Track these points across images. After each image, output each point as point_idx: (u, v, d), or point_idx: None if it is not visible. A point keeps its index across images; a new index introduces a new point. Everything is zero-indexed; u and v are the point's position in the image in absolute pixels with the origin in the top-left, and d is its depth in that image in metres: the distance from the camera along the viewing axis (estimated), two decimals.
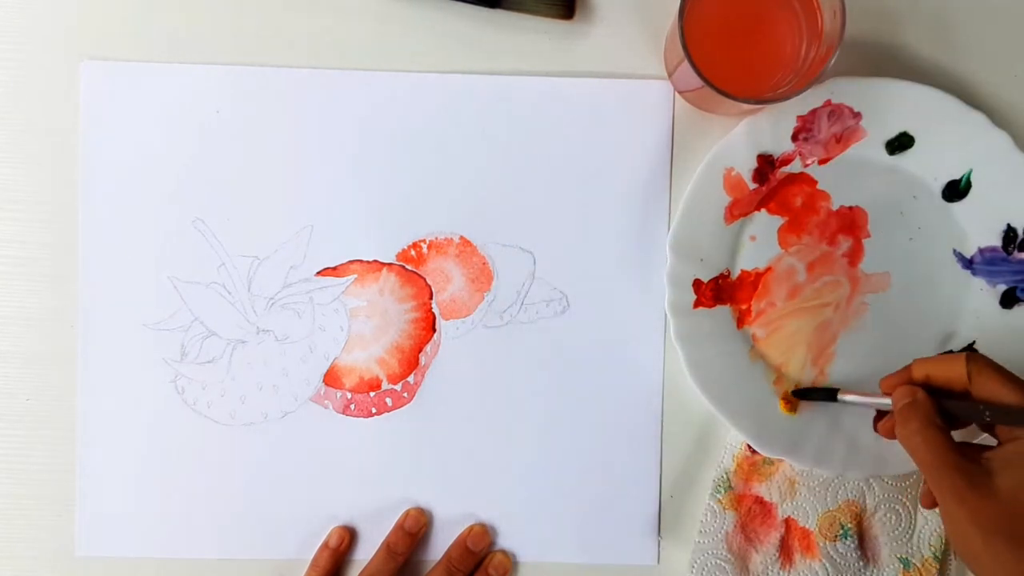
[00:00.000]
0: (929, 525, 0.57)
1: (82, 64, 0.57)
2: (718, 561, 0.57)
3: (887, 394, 0.50)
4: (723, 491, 0.57)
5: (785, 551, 0.58)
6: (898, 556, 0.57)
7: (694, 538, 0.58)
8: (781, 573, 0.57)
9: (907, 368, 0.49)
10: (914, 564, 0.57)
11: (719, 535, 0.57)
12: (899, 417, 0.47)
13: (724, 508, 0.57)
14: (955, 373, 0.46)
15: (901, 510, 0.57)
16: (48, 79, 0.57)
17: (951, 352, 0.48)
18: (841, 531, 0.57)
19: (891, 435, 0.50)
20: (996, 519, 0.42)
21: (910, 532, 0.57)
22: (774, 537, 0.58)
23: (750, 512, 0.58)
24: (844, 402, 0.54)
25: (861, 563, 0.57)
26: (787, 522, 0.58)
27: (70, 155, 0.57)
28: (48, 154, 0.57)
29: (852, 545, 0.57)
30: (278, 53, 0.57)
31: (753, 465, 0.57)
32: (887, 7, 0.57)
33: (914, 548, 0.57)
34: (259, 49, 0.57)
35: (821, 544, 0.57)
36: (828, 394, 0.54)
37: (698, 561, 0.57)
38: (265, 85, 0.57)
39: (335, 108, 0.57)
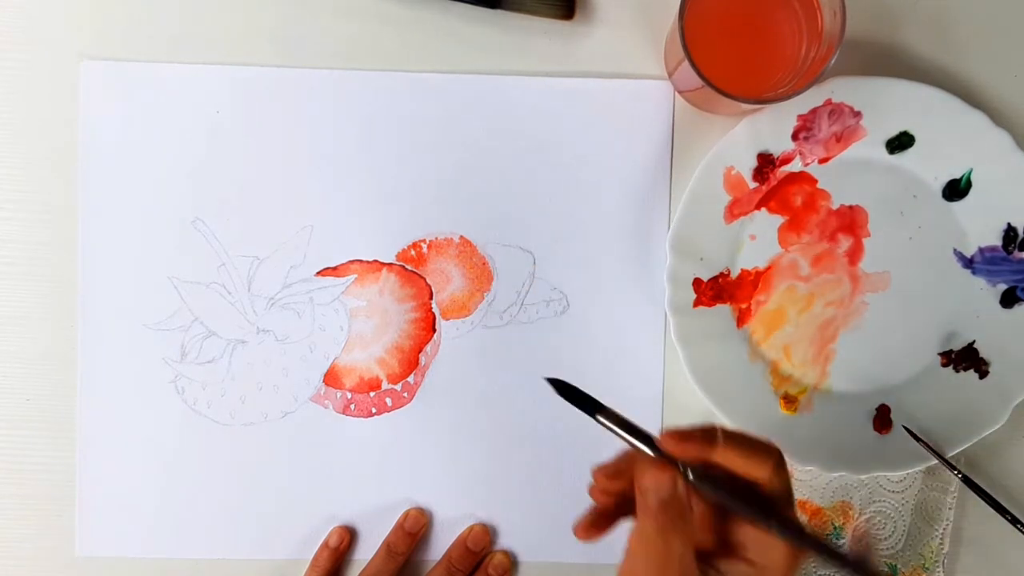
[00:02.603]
0: (921, 535, 0.57)
1: (82, 64, 0.57)
2: None
3: (660, 455, 0.39)
4: None
5: None
6: (886, 562, 0.57)
7: None
8: None
9: (707, 437, 0.38)
10: (902, 572, 0.57)
11: None
12: (656, 516, 0.38)
13: None
14: (757, 475, 0.38)
15: (894, 516, 0.57)
16: (48, 79, 0.57)
17: (777, 452, 0.39)
18: (832, 531, 0.57)
19: (591, 535, 0.42)
20: None
21: (901, 540, 0.57)
22: None
23: None
24: (600, 423, 0.40)
25: None
26: None
27: (70, 155, 0.57)
28: (48, 154, 0.57)
29: (842, 546, 0.57)
30: (278, 53, 0.57)
31: None
32: (887, 7, 0.57)
33: (903, 556, 0.57)
34: (259, 49, 0.57)
35: None
36: (588, 403, 0.41)
37: None
38: (265, 85, 0.57)
39: (335, 108, 0.57)
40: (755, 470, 0.38)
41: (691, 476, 0.38)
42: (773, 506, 0.38)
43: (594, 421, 0.40)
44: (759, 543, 0.39)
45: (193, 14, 0.57)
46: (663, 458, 0.39)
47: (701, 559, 0.39)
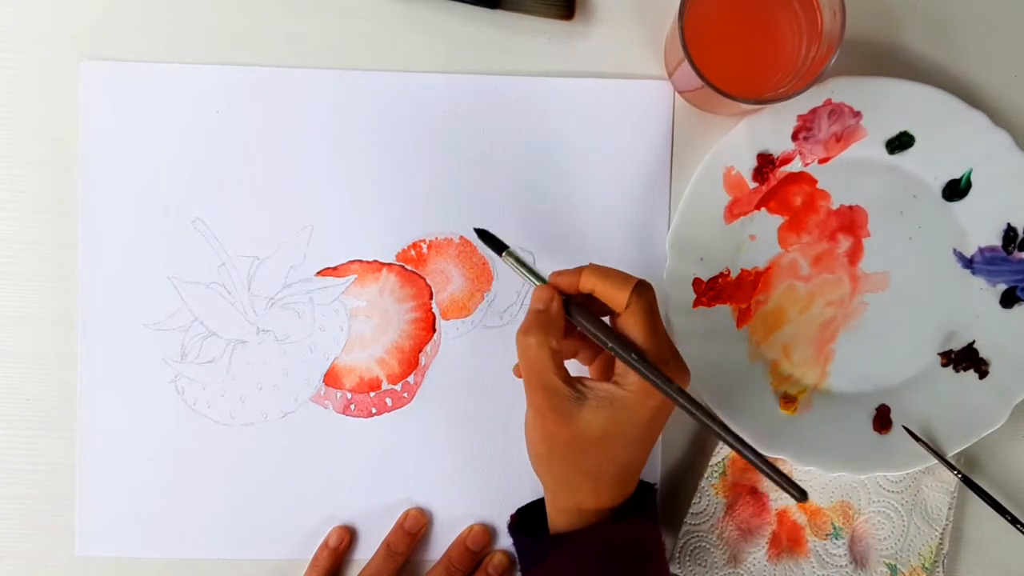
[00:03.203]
0: (921, 535, 0.57)
1: (82, 64, 0.57)
2: (706, 545, 0.57)
3: (551, 284, 0.49)
4: (718, 476, 0.57)
5: (774, 544, 0.58)
6: (886, 562, 0.57)
7: (684, 519, 0.57)
8: (768, 565, 0.57)
9: (579, 270, 0.48)
10: (901, 572, 0.57)
11: (710, 520, 0.57)
12: (527, 320, 0.47)
13: (717, 493, 0.57)
14: (616, 299, 0.47)
15: (894, 516, 0.57)
16: (48, 79, 0.57)
17: (638, 281, 0.47)
18: (832, 530, 0.57)
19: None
20: (562, 439, 0.47)
21: (901, 540, 0.57)
22: (765, 529, 0.58)
23: (743, 501, 0.58)
24: (505, 262, 0.51)
25: (849, 564, 0.57)
26: (779, 515, 0.58)
27: (70, 155, 0.57)
28: (48, 154, 0.57)
29: (841, 545, 0.57)
30: (278, 53, 0.57)
31: None
32: (887, 7, 0.57)
33: (903, 556, 0.57)
34: (259, 49, 0.57)
35: (811, 541, 0.57)
36: (497, 245, 0.52)
37: (686, 542, 0.57)
38: (265, 85, 0.57)
39: (335, 108, 0.57)
40: (614, 294, 0.47)
41: (572, 306, 0.48)
42: (633, 345, 0.46)
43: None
44: (623, 367, 0.47)
45: (193, 14, 0.57)
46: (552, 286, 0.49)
47: (575, 379, 0.47)
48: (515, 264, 0.50)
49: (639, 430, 0.47)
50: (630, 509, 0.50)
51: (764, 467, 0.44)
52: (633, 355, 0.46)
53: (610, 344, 0.46)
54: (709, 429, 0.46)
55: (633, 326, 0.47)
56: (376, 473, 0.58)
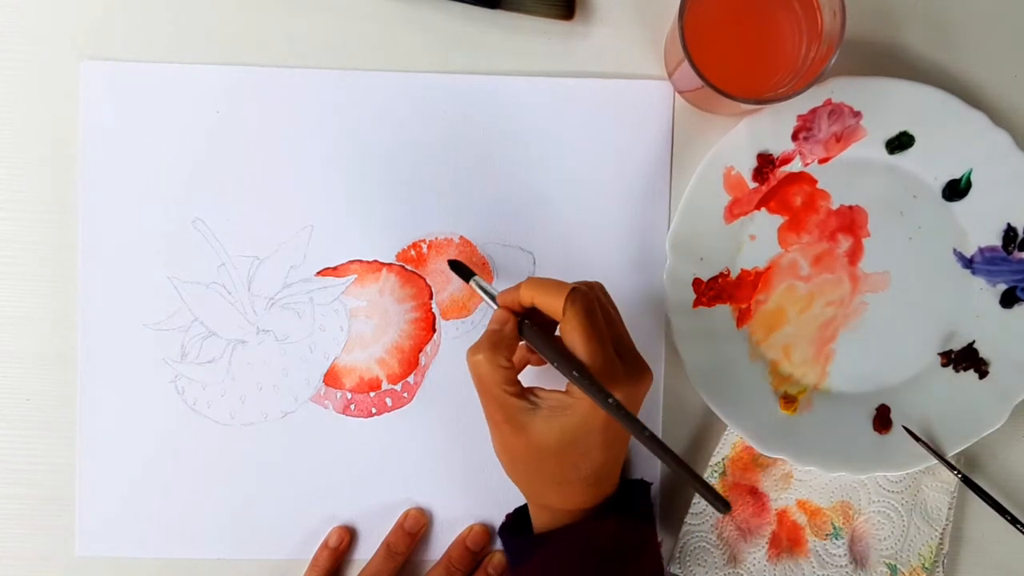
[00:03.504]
0: (921, 535, 0.57)
1: (82, 64, 0.57)
2: (705, 545, 0.57)
3: (502, 306, 0.50)
4: (718, 477, 0.57)
5: (774, 544, 0.58)
6: (886, 562, 0.57)
7: (684, 519, 0.58)
8: (768, 565, 0.57)
9: (519, 285, 0.49)
10: (901, 572, 0.57)
11: (710, 520, 0.57)
12: (479, 339, 0.49)
13: None
14: (554, 308, 0.47)
15: (894, 516, 0.57)
16: (48, 79, 0.57)
17: (571, 288, 0.47)
18: (832, 530, 0.57)
19: None
20: (520, 448, 0.49)
21: (901, 540, 0.57)
22: (764, 529, 0.58)
23: (743, 501, 0.58)
24: (472, 286, 0.53)
25: (849, 564, 0.57)
26: (779, 515, 0.58)
27: (70, 155, 0.57)
28: (48, 154, 0.57)
29: (841, 545, 0.57)
30: (278, 53, 0.57)
31: (751, 456, 0.57)
32: (887, 7, 0.57)
33: (903, 556, 0.57)
34: (259, 49, 0.57)
35: (811, 541, 0.57)
36: (464, 272, 0.54)
37: (685, 543, 0.57)
38: (265, 85, 0.57)
39: (335, 108, 0.57)
40: (551, 303, 0.47)
41: (525, 324, 0.49)
42: (578, 363, 0.46)
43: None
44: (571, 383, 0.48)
45: (193, 14, 0.57)
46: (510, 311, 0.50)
47: (528, 391, 0.48)
48: (480, 291, 0.53)
49: (596, 436, 0.48)
50: (613, 507, 0.51)
51: (692, 478, 0.44)
52: (574, 371, 0.46)
53: (556, 363, 0.46)
54: (643, 442, 0.45)
55: (571, 333, 0.47)
56: (376, 473, 0.58)
